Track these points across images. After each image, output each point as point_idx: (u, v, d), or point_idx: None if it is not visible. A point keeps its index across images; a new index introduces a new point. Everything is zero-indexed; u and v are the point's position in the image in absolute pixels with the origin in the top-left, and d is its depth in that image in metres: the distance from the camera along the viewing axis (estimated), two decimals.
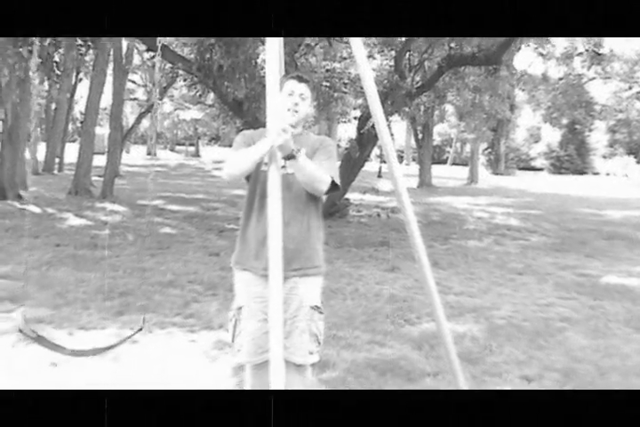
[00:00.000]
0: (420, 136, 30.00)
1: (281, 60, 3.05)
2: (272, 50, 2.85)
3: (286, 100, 3.10)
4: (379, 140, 3.49)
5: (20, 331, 3.62)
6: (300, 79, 3.17)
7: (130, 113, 52.16)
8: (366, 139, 13.01)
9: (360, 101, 18.03)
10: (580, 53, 25.88)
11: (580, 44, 24.35)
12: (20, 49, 10.83)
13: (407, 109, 13.93)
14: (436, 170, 34.73)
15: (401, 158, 53.28)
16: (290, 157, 2.83)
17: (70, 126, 37.61)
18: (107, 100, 26.73)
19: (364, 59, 3.28)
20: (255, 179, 3.09)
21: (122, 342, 3.92)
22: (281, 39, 3.06)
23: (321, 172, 2.96)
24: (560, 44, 24.97)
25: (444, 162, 58.15)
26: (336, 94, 16.52)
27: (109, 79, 19.96)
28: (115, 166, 19.04)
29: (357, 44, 3.21)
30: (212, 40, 11.86)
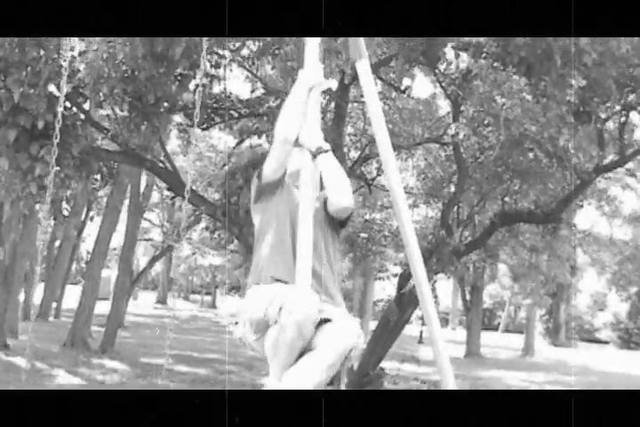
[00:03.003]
0: (469, 297, 29.90)
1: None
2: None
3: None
4: None
5: None
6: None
7: (142, 255, 53.00)
8: (407, 300, 12.95)
9: (402, 256, 18.18)
10: None
11: None
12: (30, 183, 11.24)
13: (454, 268, 13.99)
14: (486, 337, 34.18)
15: (446, 322, 52.79)
16: (319, 151, 3.30)
17: (74, 267, 38.23)
18: (118, 239, 27.30)
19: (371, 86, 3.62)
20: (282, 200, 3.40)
21: None
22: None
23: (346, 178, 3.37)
24: (628, 202, 25.34)
25: (495, 328, 57.37)
26: (374, 248, 16.75)
27: (123, 217, 20.47)
28: (119, 316, 19.10)
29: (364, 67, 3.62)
30: (241, 182, 12.27)
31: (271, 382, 3.05)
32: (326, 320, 3.04)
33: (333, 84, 3.45)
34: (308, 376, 2.93)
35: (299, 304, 2.89)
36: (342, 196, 3.33)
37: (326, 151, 3.33)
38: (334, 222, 3.47)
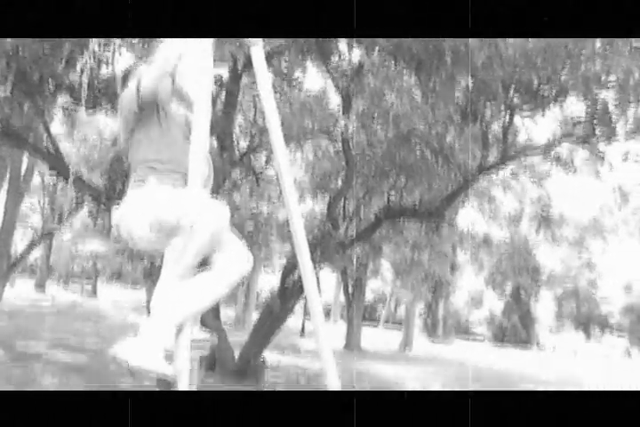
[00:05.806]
0: (351, 291, 30.22)
1: None
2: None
3: None
4: (304, 292, 3.61)
5: None
6: None
7: (20, 240, 51.31)
8: (290, 292, 13.00)
9: (287, 248, 18.22)
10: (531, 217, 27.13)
11: (528, 205, 25.52)
12: None
13: (339, 261, 14.12)
14: (367, 331, 34.68)
15: (328, 315, 53.33)
16: None
17: None
18: None
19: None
20: None
21: None
22: None
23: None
24: (508, 203, 26.14)
25: (376, 320, 58.34)
26: (261, 237, 16.72)
27: (0, 200, 19.77)
28: None
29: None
30: (126, 166, 12.01)
31: (169, 282, 3.18)
32: None
33: (223, 69, 3.45)
34: (205, 291, 3.19)
35: (214, 215, 3.14)
36: None
37: None
38: None
